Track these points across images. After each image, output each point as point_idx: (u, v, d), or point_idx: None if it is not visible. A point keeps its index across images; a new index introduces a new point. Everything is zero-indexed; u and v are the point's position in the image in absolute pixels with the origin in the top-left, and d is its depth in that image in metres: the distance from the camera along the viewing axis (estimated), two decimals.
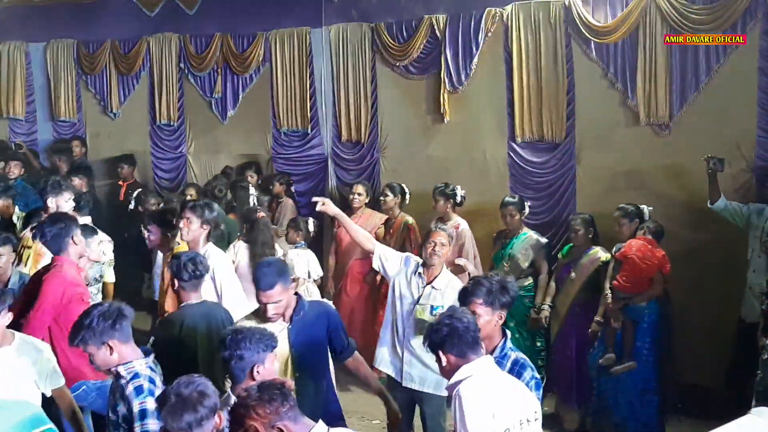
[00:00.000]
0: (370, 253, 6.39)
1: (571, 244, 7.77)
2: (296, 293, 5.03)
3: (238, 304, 5.89)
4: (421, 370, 5.99)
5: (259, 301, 4.87)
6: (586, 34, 8.25)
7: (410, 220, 8.64)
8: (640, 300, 7.02)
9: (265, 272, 4.84)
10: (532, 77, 8.64)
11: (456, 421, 3.84)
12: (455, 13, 9.13)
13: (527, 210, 8.05)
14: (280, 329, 4.82)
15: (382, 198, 8.79)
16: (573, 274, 7.60)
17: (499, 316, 4.39)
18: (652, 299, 7.08)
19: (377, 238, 8.55)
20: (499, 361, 4.27)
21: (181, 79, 11.58)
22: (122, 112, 12.16)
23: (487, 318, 4.36)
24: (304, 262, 8.16)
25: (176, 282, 5.38)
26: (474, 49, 8.99)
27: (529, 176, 8.82)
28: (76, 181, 9.33)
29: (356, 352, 5.36)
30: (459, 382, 3.89)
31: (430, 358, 5.87)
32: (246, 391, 3.50)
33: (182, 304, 5.41)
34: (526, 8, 8.60)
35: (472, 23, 8.98)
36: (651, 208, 7.44)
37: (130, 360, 4.17)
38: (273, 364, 4.21)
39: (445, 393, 5.92)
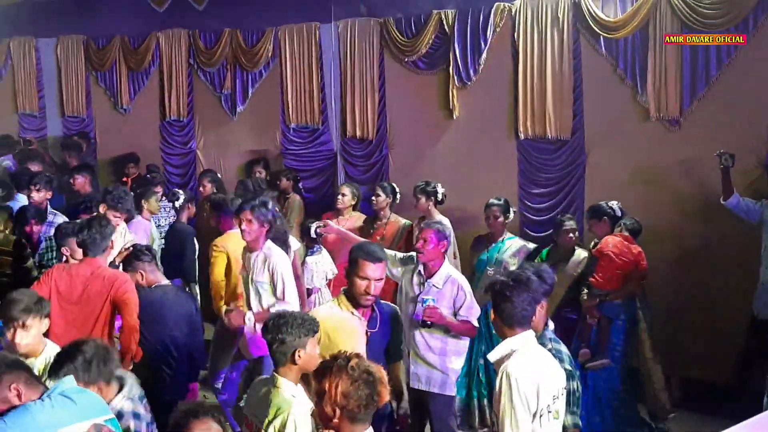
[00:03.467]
0: None
1: (549, 248, 7.59)
2: None
3: (294, 299, 6.15)
4: (426, 370, 5.93)
5: (363, 277, 4.79)
6: (596, 30, 8.20)
7: (408, 222, 8.41)
8: (616, 297, 6.98)
9: (376, 247, 4.93)
10: (537, 73, 8.61)
11: (502, 396, 3.93)
12: (464, 8, 9.09)
13: (512, 215, 7.82)
14: (358, 323, 4.80)
15: (373, 198, 8.54)
16: (555, 278, 7.45)
17: (541, 305, 4.36)
18: (628, 297, 7.04)
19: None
20: None
21: (190, 74, 11.61)
22: (132, 107, 12.18)
23: None
24: (322, 271, 7.85)
25: (143, 274, 6.00)
26: (483, 44, 8.96)
27: (538, 172, 8.79)
28: (80, 179, 9.32)
29: (401, 360, 5.39)
30: (505, 356, 4.04)
31: (433, 357, 5.90)
32: (357, 361, 3.44)
33: (155, 285, 6.06)
34: (535, 3, 8.56)
35: (481, 18, 8.94)
36: (619, 203, 7.34)
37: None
38: (315, 349, 4.19)
39: (451, 392, 5.94)
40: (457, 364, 5.98)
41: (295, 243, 7.60)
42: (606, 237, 7.07)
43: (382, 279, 4.77)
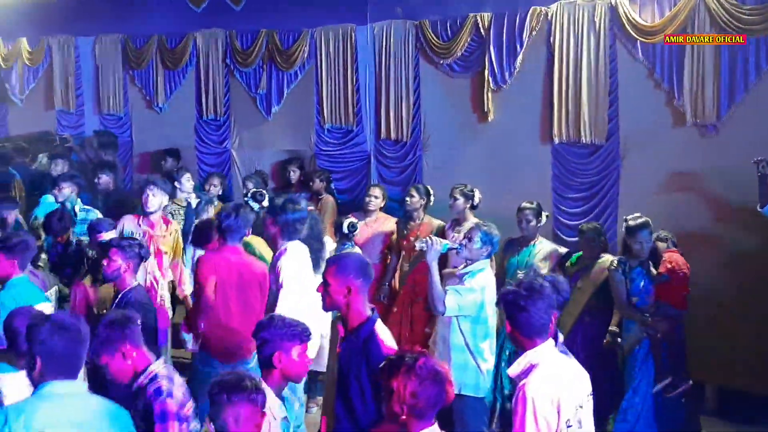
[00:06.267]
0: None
1: (580, 253, 7.53)
2: (372, 309, 4.46)
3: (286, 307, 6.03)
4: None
5: None
6: (633, 34, 8.15)
7: (441, 223, 8.40)
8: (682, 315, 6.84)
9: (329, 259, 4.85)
10: (572, 77, 8.58)
11: (516, 416, 3.84)
12: (500, 12, 9.08)
13: (544, 219, 7.78)
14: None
15: (407, 198, 8.56)
16: (580, 283, 7.30)
17: (554, 315, 4.22)
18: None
19: (390, 244, 8.65)
20: None
21: (226, 74, 11.66)
22: (168, 106, 12.29)
23: None
24: None
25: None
26: (518, 47, 8.94)
27: (572, 176, 8.76)
28: (104, 178, 9.41)
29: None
30: (525, 372, 3.92)
31: (441, 348, 5.97)
32: (424, 359, 3.50)
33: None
34: (571, 7, 8.53)
35: (517, 21, 8.92)
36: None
37: (146, 365, 4.22)
38: (302, 358, 4.15)
39: (456, 391, 5.89)
40: (463, 361, 5.94)
41: (330, 243, 7.64)
42: (669, 255, 6.86)
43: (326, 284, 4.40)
